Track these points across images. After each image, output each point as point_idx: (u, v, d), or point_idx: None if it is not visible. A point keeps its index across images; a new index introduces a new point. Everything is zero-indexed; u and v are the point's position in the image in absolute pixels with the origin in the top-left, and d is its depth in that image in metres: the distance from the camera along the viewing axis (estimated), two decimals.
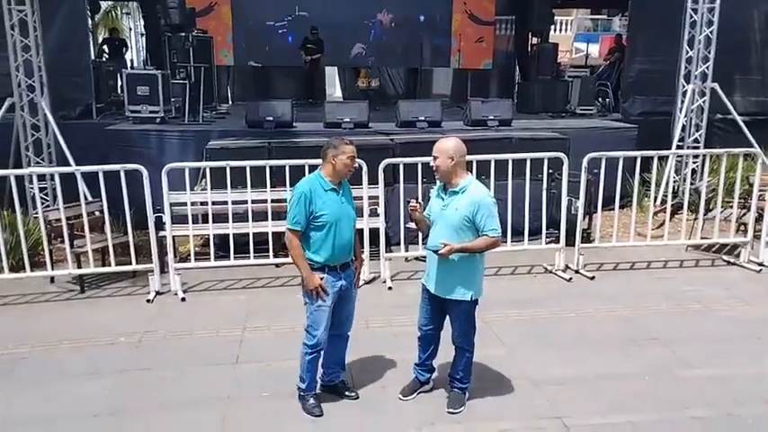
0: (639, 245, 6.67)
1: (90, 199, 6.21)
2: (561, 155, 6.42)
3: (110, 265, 5.96)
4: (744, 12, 9.49)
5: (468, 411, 3.87)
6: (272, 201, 6.02)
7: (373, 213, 6.23)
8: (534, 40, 13.36)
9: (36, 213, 6.30)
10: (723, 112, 8.76)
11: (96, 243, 5.98)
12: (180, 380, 4.31)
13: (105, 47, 13.00)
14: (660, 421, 3.78)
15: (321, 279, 3.69)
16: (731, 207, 6.75)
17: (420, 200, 3.89)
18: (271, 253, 6.11)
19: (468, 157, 6.04)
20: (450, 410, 3.85)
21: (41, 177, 7.14)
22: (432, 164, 3.72)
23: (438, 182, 3.84)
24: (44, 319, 5.39)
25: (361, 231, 5.82)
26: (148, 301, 5.70)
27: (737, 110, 8.75)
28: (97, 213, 6.18)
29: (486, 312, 5.13)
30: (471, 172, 6.02)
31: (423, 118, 8.70)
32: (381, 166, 6.12)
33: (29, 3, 7.06)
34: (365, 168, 6.01)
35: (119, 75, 10.04)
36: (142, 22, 14.45)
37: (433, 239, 3.73)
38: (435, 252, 3.63)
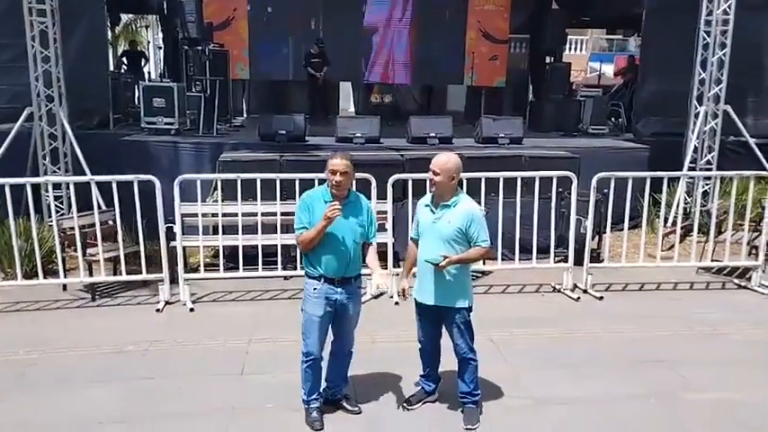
0: (649, 266, 6.63)
1: (104, 208, 6.30)
2: (571, 174, 6.43)
3: (121, 275, 6.04)
4: (757, 34, 9.47)
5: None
6: (282, 213, 6.08)
7: (381, 229, 6.25)
8: (548, 60, 13.41)
9: (51, 221, 6.41)
10: (736, 134, 8.72)
11: (108, 252, 6.06)
12: (185, 390, 4.35)
13: (124, 59, 13.25)
14: None
15: (315, 290, 3.74)
16: (742, 230, 6.70)
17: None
18: (279, 265, 6.16)
19: (478, 175, 6.24)
20: (468, 427, 3.84)
21: (57, 186, 7.26)
22: (431, 178, 3.78)
23: (428, 195, 3.93)
24: (55, 326, 5.47)
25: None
26: (158, 310, 5.76)
27: (750, 132, 8.72)
28: (110, 222, 6.29)
29: (491, 330, 5.16)
30: (480, 189, 6.16)
31: (434, 134, 8.76)
32: (390, 181, 6.17)
33: (50, 15, 7.24)
34: (374, 183, 6.07)
35: (137, 86, 10.22)
36: (161, 36, 14.70)
37: (426, 252, 3.78)
38: (435, 265, 3.69)
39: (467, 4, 13.08)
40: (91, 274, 6.04)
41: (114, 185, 5.87)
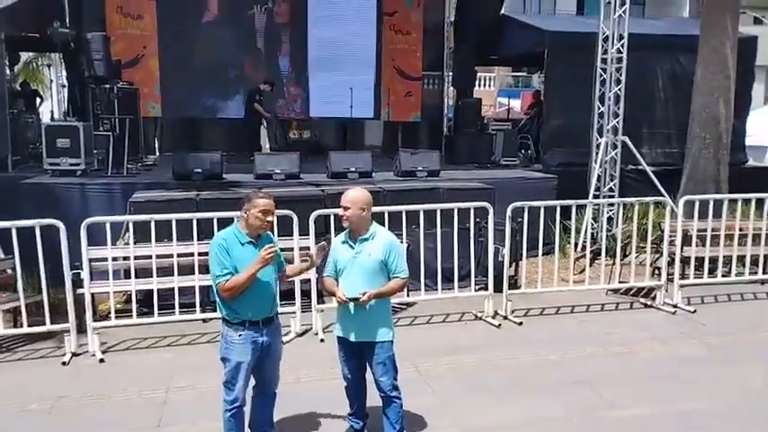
0: (563, 290, 6.91)
1: (2, 256, 5.86)
2: (487, 204, 6.64)
3: (21, 326, 5.60)
4: (649, 70, 10.33)
5: None
6: (200, 254, 5.87)
7: None
8: (460, 95, 13.94)
9: None
10: (634, 163, 9.37)
11: (7, 303, 5.63)
12: None
13: (19, 99, 12.58)
14: None
15: (240, 336, 3.62)
16: (645, 252, 7.12)
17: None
18: (197, 308, 5.93)
19: (398, 208, 6.32)
20: None
21: None
22: (341, 214, 3.78)
23: (344, 233, 3.90)
24: None
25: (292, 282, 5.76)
26: (64, 363, 5.35)
27: (646, 161, 9.40)
28: (9, 271, 5.84)
29: (417, 360, 5.16)
30: (402, 222, 6.24)
31: (354, 169, 8.83)
32: (312, 217, 6.13)
33: None
34: (296, 219, 6.01)
35: (37, 127, 9.70)
36: (64, 74, 14.08)
37: (348, 288, 3.76)
38: (355, 300, 3.67)
39: (381, 42, 13.45)
40: None
41: (14, 231, 5.47)
